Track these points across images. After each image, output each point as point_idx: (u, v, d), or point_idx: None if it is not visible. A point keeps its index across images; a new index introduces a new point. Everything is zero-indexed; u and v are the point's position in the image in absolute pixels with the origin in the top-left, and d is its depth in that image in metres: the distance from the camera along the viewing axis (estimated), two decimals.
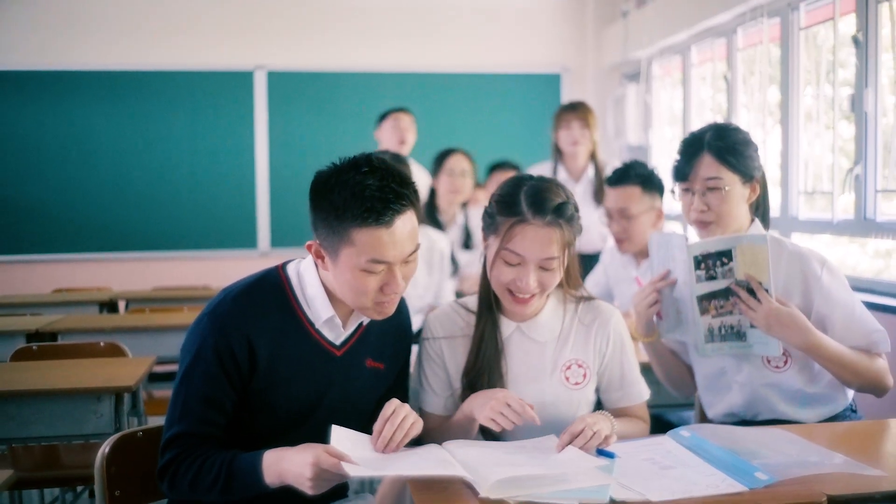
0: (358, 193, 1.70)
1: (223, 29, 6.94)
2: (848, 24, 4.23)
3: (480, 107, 7.26)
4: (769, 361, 2.23)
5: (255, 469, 1.70)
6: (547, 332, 2.09)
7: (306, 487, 1.63)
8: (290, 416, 1.86)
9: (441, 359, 2.09)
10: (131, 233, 6.84)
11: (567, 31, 7.41)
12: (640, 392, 2.13)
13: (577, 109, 4.48)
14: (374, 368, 1.95)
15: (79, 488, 4.08)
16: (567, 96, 7.35)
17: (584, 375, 2.07)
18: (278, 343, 1.82)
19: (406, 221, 1.75)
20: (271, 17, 6.99)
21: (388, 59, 7.11)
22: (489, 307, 2.07)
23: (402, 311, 2.02)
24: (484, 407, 1.88)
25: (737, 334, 2.20)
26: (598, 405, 2.15)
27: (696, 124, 6.00)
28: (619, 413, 2.07)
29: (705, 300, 2.20)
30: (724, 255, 2.13)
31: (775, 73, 4.93)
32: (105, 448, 1.94)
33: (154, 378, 3.91)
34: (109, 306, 5.14)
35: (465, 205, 4.73)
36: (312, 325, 1.86)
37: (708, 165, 2.25)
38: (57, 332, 3.93)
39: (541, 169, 4.53)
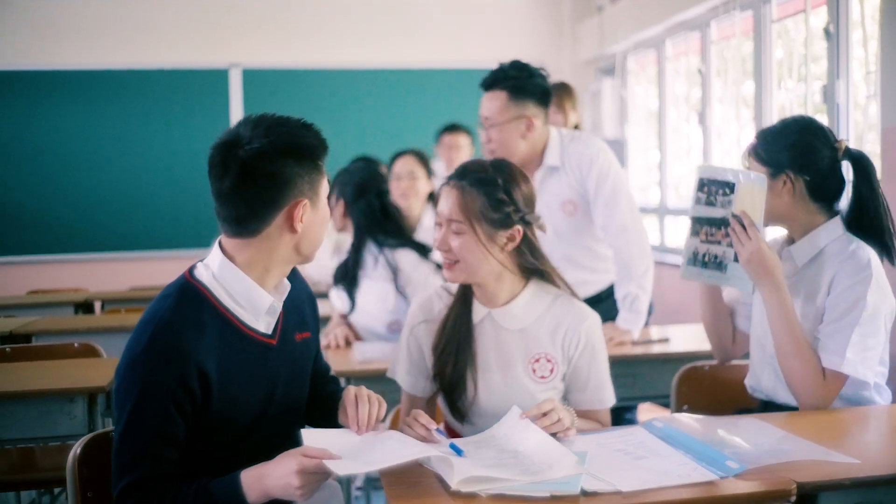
0: (311, 129, 1.78)
1: (197, 27, 6.91)
2: (820, 16, 4.26)
3: (458, 102, 7.24)
4: None
5: (235, 492, 1.65)
6: (517, 321, 2.11)
7: (297, 496, 1.61)
8: (247, 423, 1.80)
9: (417, 342, 2.16)
10: (107, 233, 6.80)
11: (543, 26, 7.42)
12: (604, 399, 2.14)
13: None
14: (304, 339, 1.93)
15: (56, 490, 4.05)
16: None
17: (552, 371, 2.09)
18: (223, 357, 1.74)
19: None
20: (246, 14, 6.97)
21: (363, 56, 7.10)
22: (464, 290, 2.14)
23: (299, 275, 2.01)
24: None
25: (718, 265, 2.25)
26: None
27: (672, 118, 6.03)
28: (582, 415, 2.08)
29: (699, 223, 2.27)
30: (728, 187, 2.18)
31: (749, 65, 4.95)
32: (77, 449, 1.90)
33: None
34: (85, 307, 5.09)
35: (431, 197, 4.42)
36: (244, 324, 1.79)
37: (750, 158, 2.28)
38: (31, 334, 3.89)
39: None
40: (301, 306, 1.95)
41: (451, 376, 2.08)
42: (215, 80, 6.92)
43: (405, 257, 3.40)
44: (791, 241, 2.30)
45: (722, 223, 2.21)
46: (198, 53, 6.90)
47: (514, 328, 2.11)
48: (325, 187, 1.81)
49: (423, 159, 4.38)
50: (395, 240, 3.44)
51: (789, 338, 2.11)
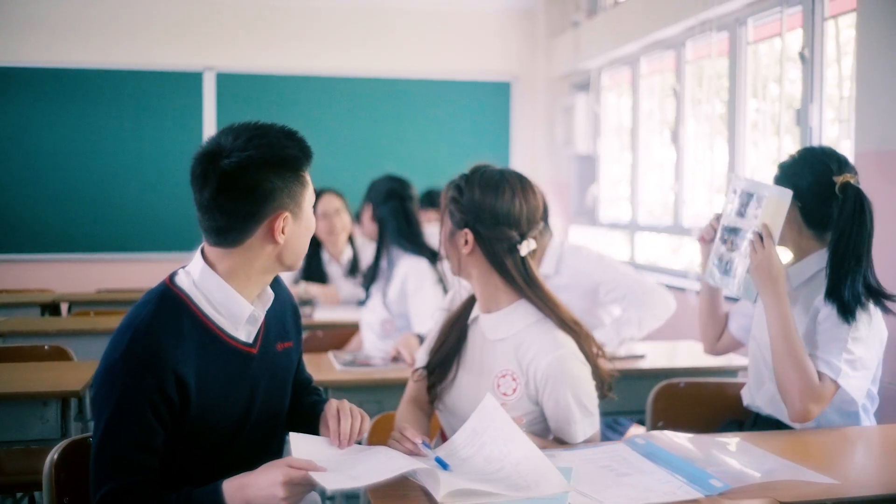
0: (295, 139, 1.77)
1: (172, 29, 6.86)
2: (795, 40, 4.32)
3: (430, 113, 7.28)
4: None
5: (216, 502, 1.63)
6: (493, 332, 2.15)
7: None
8: (226, 432, 1.79)
9: (435, 326, 2.33)
10: (74, 234, 6.71)
11: (518, 40, 7.46)
12: (572, 433, 2.07)
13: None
14: (286, 349, 1.93)
15: (18, 494, 3.99)
16: (517, 104, 7.41)
17: (514, 390, 2.10)
18: (201, 364, 1.73)
19: None
20: (221, 17, 6.92)
21: (338, 64, 7.09)
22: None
23: (283, 284, 2.00)
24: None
25: (729, 271, 2.35)
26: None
27: (645, 135, 6.09)
28: (560, 442, 2.10)
29: (727, 232, 2.37)
30: (759, 200, 2.28)
31: (723, 85, 5.02)
32: (54, 454, 1.89)
33: None
34: (52, 308, 5.03)
35: (352, 239, 4.82)
36: (225, 332, 1.78)
37: None
38: None
39: None
40: (283, 316, 1.95)
41: (436, 357, 2.23)
42: (189, 82, 6.86)
43: (410, 263, 3.47)
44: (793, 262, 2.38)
45: (743, 235, 2.30)
46: (172, 56, 6.84)
47: (492, 338, 2.15)
48: (308, 197, 1.80)
49: (342, 196, 4.71)
50: (412, 245, 3.56)
51: (786, 346, 2.15)
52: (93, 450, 1.69)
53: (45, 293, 5.49)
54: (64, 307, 5.16)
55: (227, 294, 1.76)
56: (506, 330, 2.13)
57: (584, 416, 2.07)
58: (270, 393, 1.87)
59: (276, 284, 1.92)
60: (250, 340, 1.82)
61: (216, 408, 1.75)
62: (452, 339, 2.22)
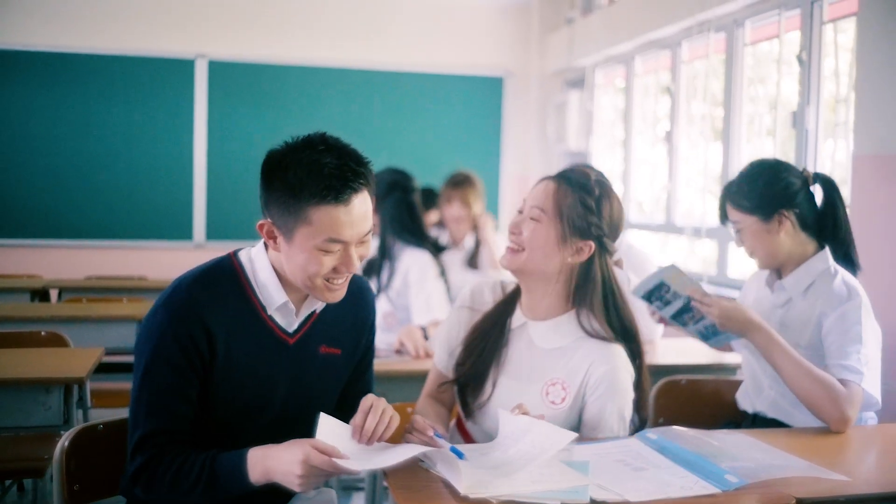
0: (315, 171, 1.69)
1: (164, 15, 6.81)
2: (793, 41, 4.35)
3: (423, 106, 7.27)
4: None
5: (239, 468, 1.66)
6: (547, 341, 2.08)
7: (295, 485, 1.60)
8: (245, 409, 1.81)
9: (458, 322, 2.19)
10: (62, 220, 6.65)
11: (512, 36, 7.47)
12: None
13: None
14: (329, 355, 1.91)
15: (7, 482, 3.96)
16: (509, 100, 7.42)
17: (563, 399, 2.05)
18: (234, 330, 1.78)
19: (363, 201, 1.74)
20: (214, 4, 6.88)
21: (331, 55, 7.07)
22: (513, 293, 2.17)
23: (366, 298, 2.00)
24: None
25: (717, 332, 2.42)
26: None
27: (638, 133, 6.11)
28: None
29: (677, 317, 2.46)
30: (663, 286, 2.40)
31: (719, 86, 5.05)
32: (64, 441, 1.88)
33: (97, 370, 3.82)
34: (41, 294, 4.99)
35: None
36: (265, 310, 1.82)
37: (731, 212, 2.44)
38: None
39: None
40: (341, 323, 1.94)
41: (469, 371, 2.11)
42: (181, 69, 6.81)
43: (413, 256, 3.47)
44: (779, 274, 2.40)
45: (689, 307, 2.39)
46: (165, 42, 6.79)
47: (544, 346, 2.09)
48: (307, 234, 1.71)
49: None
50: (415, 238, 3.54)
51: (797, 370, 2.17)
52: (132, 396, 1.76)
53: (35, 279, 5.44)
54: (53, 293, 5.12)
55: (267, 278, 1.82)
56: (560, 339, 2.08)
57: (620, 429, 2.06)
58: (298, 390, 1.87)
59: (361, 296, 1.96)
60: (290, 330, 1.85)
61: (239, 377, 1.79)
62: (490, 352, 2.11)
